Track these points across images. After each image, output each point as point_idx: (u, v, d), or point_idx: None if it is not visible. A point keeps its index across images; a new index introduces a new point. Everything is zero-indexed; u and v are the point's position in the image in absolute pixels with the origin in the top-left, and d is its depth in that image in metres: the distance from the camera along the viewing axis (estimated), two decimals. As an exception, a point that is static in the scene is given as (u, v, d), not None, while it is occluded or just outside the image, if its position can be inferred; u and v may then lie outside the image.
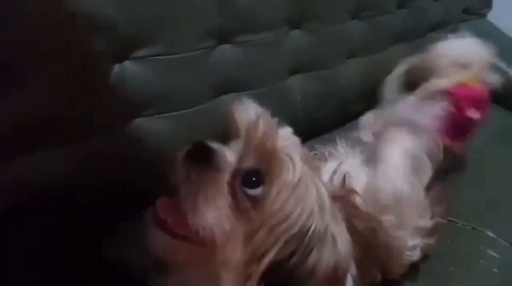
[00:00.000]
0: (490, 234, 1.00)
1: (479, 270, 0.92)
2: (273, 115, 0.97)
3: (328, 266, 0.43)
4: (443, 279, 0.88)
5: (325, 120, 1.16)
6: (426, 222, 0.75)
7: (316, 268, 0.43)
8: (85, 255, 0.73)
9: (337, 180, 0.67)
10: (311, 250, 0.43)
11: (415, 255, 0.76)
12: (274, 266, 0.42)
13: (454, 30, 1.60)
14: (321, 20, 1.09)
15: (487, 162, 1.24)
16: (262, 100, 0.99)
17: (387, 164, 0.72)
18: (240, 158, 0.47)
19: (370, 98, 1.33)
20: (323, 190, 0.48)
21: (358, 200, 0.67)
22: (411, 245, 0.73)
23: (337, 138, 0.84)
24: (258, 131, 0.47)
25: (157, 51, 0.81)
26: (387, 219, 0.70)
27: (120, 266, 0.70)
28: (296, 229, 0.43)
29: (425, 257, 0.87)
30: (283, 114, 1.06)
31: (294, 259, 0.42)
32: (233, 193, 0.45)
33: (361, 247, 0.66)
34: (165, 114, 0.85)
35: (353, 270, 0.59)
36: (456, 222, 1.03)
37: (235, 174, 0.46)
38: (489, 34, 1.62)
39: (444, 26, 1.53)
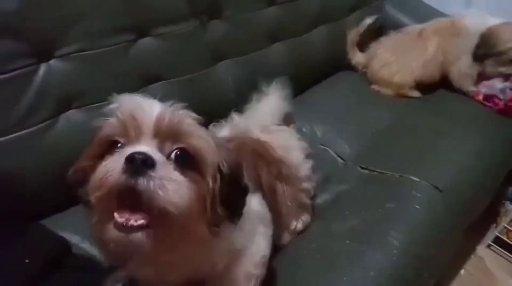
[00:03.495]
0: (414, 178, 1.10)
1: (404, 208, 1.01)
2: (203, 98, 1.08)
3: None
4: (373, 218, 0.98)
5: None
6: None
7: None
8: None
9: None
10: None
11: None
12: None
13: (379, 8, 1.72)
14: (238, 8, 1.19)
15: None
16: (191, 86, 1.10)
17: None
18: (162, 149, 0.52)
19: (300, 78, 1.44)
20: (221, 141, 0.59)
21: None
22: None
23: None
24: (168, 121, 0.52)
25: (79, 47, 0.90)
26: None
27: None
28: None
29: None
30: (215, 96, 1.17)
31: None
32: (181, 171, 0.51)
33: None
34: (94, 105, 0.93)
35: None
36: (385, 173, 1.13)
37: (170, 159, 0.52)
38: (414, 9, 1.76)
39: (365, 5, 1.64)
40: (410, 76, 1.48)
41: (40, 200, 0.89)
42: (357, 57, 1.57)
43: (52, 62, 0.88)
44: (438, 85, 1.52)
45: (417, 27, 1.52)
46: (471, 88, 1.46)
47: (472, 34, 1.39)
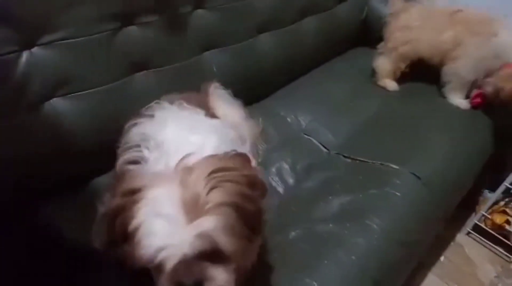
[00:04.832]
0: (394, 166, 1.13)
1: (384, 195, 1.04)
2: (190, 88, 1.08)
3: None
4: (355, 203, 1.01)
5: (244, 91, 1.25)
6: None
7: None
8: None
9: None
10: None
11: None
12: None
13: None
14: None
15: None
16: (176, 75, 1.10)
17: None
18: None
19: (288, 69, 1.46)
20: None
21: None
22: None
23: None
24: None
25: (63, 35, 0.90)
26: None
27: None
28: None
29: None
30: (200, 86, 1.17)
31: None
32: None
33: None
34: (78, 93, 0.93)
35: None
36: (367, 161, 1.16)
37: None
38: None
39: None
40: (415, 49, 1.42)
41: (23, 188, 0.90)
42: (396, 3, 1.49)
43: (35, 49, 0.87)
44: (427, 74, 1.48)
45: (455, 7, 1.41)
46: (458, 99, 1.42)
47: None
